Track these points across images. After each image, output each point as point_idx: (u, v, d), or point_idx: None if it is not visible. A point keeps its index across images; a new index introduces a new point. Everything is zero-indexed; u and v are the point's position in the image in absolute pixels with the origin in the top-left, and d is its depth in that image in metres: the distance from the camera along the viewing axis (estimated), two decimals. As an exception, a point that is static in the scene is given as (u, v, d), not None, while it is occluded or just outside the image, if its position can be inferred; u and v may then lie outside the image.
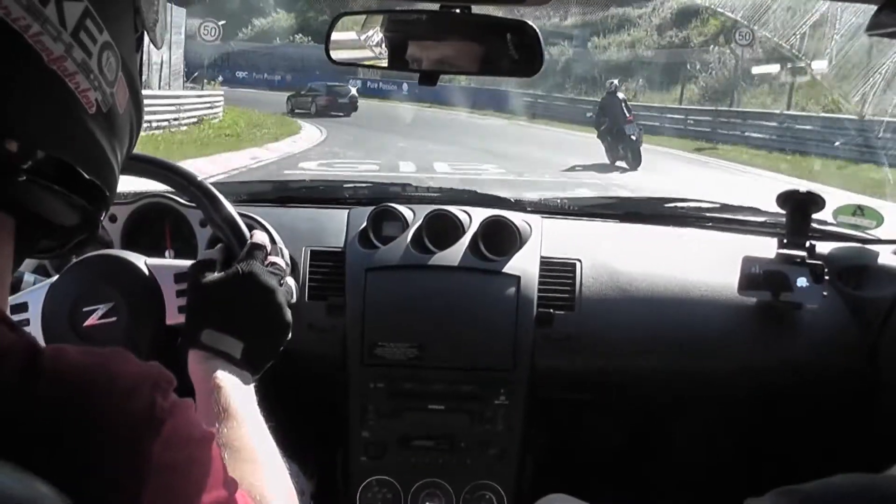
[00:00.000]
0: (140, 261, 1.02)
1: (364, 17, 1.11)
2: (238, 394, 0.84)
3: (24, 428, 0.41)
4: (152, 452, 0.44)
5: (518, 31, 1.10)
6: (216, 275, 0.93)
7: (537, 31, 1.07)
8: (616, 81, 13.11)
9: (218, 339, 0.88)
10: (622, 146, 11.58)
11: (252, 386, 0.90)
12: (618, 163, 11.68)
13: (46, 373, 0.42)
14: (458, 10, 1.05)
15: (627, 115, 11.65)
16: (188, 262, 1.00)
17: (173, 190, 1.16)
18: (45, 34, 0.42)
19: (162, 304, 0.99)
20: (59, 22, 0.43)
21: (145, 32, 0.53)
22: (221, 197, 1.06)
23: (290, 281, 1.17)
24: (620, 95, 12.26)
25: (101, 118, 0.47)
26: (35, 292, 0.99)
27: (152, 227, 1.30)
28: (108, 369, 0.45)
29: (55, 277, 1.01)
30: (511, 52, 1.12)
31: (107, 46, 0.46)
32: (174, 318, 0.99)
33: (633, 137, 11.45)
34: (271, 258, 0.99)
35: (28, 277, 1.05)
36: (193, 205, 1.17)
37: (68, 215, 0.48)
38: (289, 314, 0.96)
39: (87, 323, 0.96)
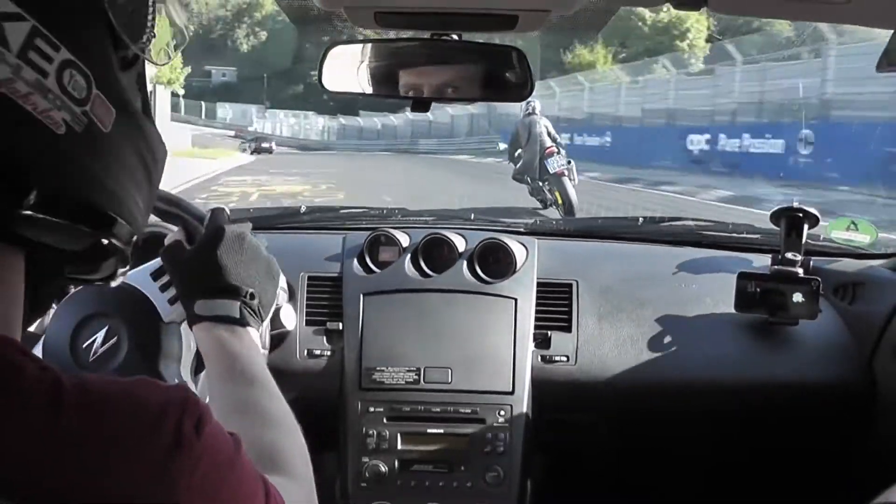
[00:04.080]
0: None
1: (355, 46, 1.12)
2: (247, 354, 0.83)
3: (52, 463, 0.41)
4: (181, 480, 0.44)
5: (508, 56, 1.12)
6: (189, 248, 0.93)
7: (525, 55, 1.09)
8: (536, 102, 8.74)
9: (211, 306, 0.87)
10: (548, 188, 8.07)
11: (260, 344, 0.89)
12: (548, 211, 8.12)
13: (72, 406, 0.42)
14: (448, 38, 1.07)
15: (547, 143, 8.09)
16: (157, 259, 1.00)
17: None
18: None
19: (153, 306, 0.99)
20: (2, 44, 0.42)
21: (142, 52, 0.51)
22: (164, 189, 1.06)
23: (289, 307, 1.17)
24: (542, 121, 8.52)
25: (78, 138, 0.45)
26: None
27: (155, 256, 1.30)
28: (133, 399, 0.45)
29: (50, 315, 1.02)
30: (501, 77, 1.14)
31: (68, 64, 0.45)
32: (169, 312, 0.99)
33: (559, 172, 7.82)
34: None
35: None
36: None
37: (74, 242, 0.47)
38: (269, 256, 0.94)
39: (91, 358, 0.96)
